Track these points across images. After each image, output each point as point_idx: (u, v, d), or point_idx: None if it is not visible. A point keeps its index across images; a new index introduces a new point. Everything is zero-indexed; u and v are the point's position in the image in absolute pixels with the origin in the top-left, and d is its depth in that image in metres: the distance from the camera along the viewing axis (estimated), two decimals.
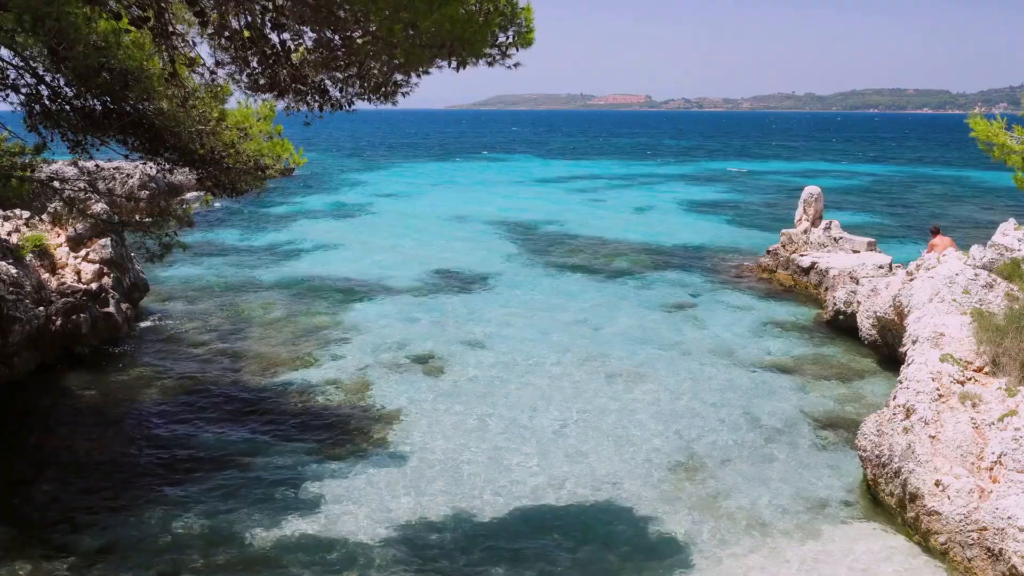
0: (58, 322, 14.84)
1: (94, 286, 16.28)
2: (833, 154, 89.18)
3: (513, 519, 9.99)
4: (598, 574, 8.85)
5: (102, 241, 17.19)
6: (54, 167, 12.33)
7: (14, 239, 15.90)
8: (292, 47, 6.59)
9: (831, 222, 22.92)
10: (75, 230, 16.67)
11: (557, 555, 9.16)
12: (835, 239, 22.55)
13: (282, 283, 22.58)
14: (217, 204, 33.53)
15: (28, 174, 9.73)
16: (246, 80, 7.01)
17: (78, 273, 16.53)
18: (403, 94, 7.12)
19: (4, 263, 14.24)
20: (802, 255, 22.25)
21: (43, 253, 16.16)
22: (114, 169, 30.86)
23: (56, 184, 10.82)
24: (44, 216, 11.64)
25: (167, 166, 9.08)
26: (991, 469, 8.79)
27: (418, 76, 6.77)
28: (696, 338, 17.67)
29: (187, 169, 9.28)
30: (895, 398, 10.41)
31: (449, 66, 6.48)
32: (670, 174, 62.16)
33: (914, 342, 11.56)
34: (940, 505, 8.90)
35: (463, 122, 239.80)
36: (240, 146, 8.90)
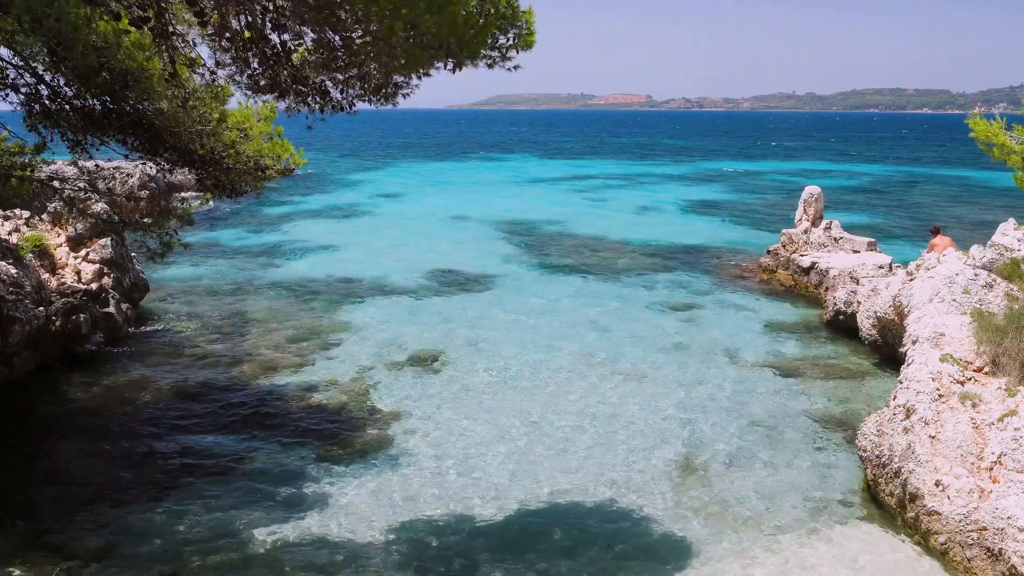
0: (58, 322, 14.84)
1: (94, 286, 16.28)
2: (833, 154, 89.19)
3: (513, 519, 9.99)
4: (598, 574, 8.85)
5: (102, 241, 17.19)
6: (54, 167, 12.32)
7: (14, 239, 15.90)
8: (292, 48, 6.59)
9: (831, 222, 22.92)
10: (75, 230, 16.67)
11: (557, 555, 9.15)
12: (835, 239, 22.55)
13: (282, 283, 22.59)
14: (211, 204, 33.46)
15: (28, 174, 9.73)
16: (246, 81, 7.01)
17: (78, 273, 16.53)
18: (404, 95, 7.12)
19: (4, 263, 14.24)
20: (802, 255, 22.25)
21: (43, 253, 16.16)
22: (114, 169, 30.84)
23: (56, 184, 10.82)
24: (44, 216, 11.64)
25: (167, 166, 9.08)
26: (991, 469, 8.79)
27: (419, 78, 6.78)
28: (696, 338, 17.67)
29: (187, 169, 9.28)
30: (895, 398, 10.41)
31: (445, 67, 6.48)
32: (670, 174, 62.17)
33: (914, 342, 11.56)
34: (940, 505, 8.91)
35: (463, 122, 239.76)
36: (240, 147, 8.91)
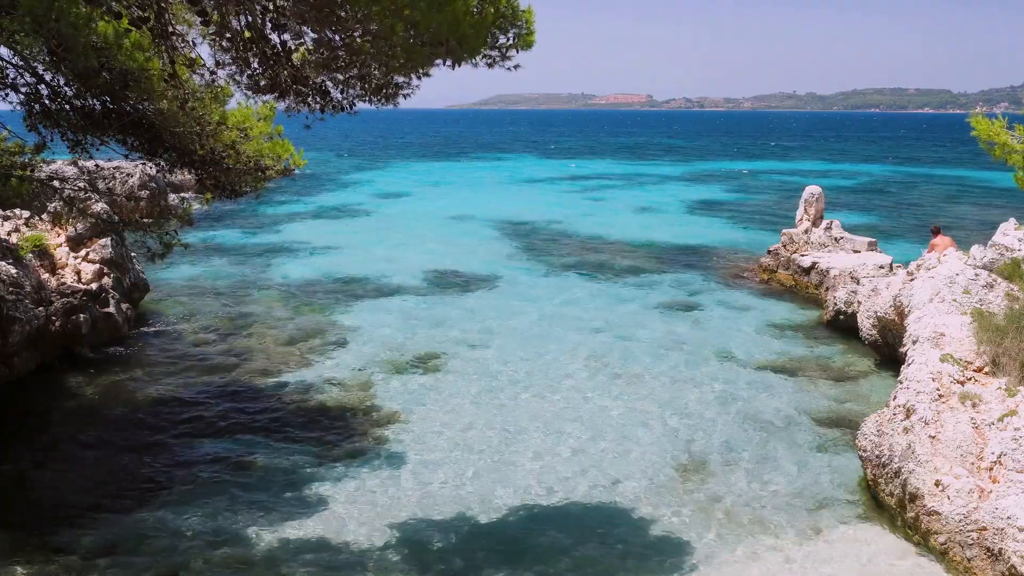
0: (58, 322, 14.84)
1: (94, 286, 16.28)
2: (833, 154, 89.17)
3: (513, 519, 9.99)
4: (597, 574, 8.85)
5: (102, 241, 17.19)
6: (54, 167, 12.31)
7: (14, 239, 15.90)
8: (293, 48, 6.59)
9: (832, 222, 22.92)
10: (75, 230, 16.67)
11: (557, 555, 9.15)
12: (836, 239, 22.54)
13: (282, 283, 22.59)
14: (209, 206, 33.45)
15: (28, 173, 9.72)
16: (246, 81, 7.00)
17: (78, 273, 16.53)
18: (404, 96, 7.12)
19: (4, 263, 14.24)
20: (803, 255, 22.24)
21: (43, 253, 16.16)
22: (114, 169, 30.84)
23: (56, 184, 10.81)
24: (44, 216, 11.63)
25: (167, 167, 9.07)
26: (991, 469, 8.79)
27: (419, 78, 6.77)
28: (697, 338, 17.67)
29: (187, 170, 9.27)
30: (895, 398, 10.41)
31: (445, 64, 6.47)
32: (671, 174, 62.17)
33: (914, 342, 11.56)
34: (940, 505, 8.90)
35: (463, 121, 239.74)
36: (240, 147, 8.90)
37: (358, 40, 6.30)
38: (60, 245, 16.84)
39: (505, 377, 15.01)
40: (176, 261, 22.74)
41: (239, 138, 8.93)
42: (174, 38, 7.15)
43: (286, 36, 6.51)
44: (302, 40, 6.60)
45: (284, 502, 10.24)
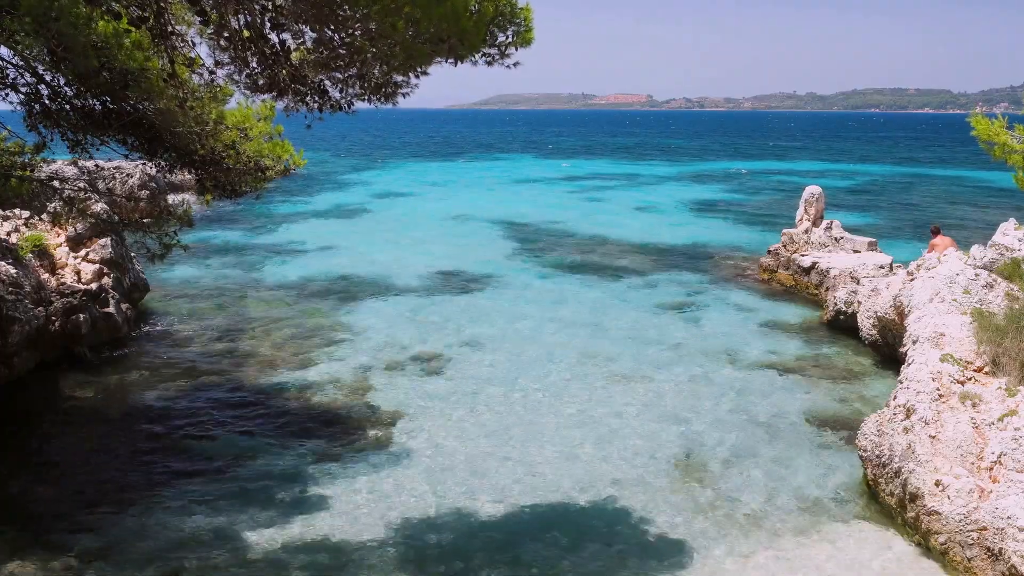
0: (57, 322, 14.84)
1: (94, 286, 16.27)
2: (834, 154, 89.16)
3: (512, 519, 9.99)
4: (597, 574, 8.84)
5: (102, 241, 17.19)
6: (54, 167, 12.31)
7: (14, 239, 15.90)
8: (292, 47, 6.58)
9: (832, 222, 22.91)
10: (75, 230, 16.66)
11: (556, 555, 9.15)
12: (836, 239, 22.54)
13: (282, 283, 22.59)
14: (215, 206, 33.44)
15: (28, 173, 9.72)
16: (245, 80, 7.00)
17: (78, 273, 16.53)
18: (403, 95, 7.11)
19: (3, 263, 14.24)
20: (803, 255, 22.24)
21: (43, 253, 16.16)
22: (114, 169, 30.84)
23: (56, 184, 10.81)
24: (44, 216, 11.62)
25: (167, 167, 9.07)
26: (991, 469, 8.78)
27: (417, 76, 6.77)
28: (697, 338, 17.67)
29: (187, 170, 9.27)
30: (895, 398, 10.40)
31: (446, 61, 6.47)
32: (671, 174, 62.16)
33: (914, 342, 11.55)
34: (940, 505, 8.90)
35: (462, 121, 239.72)
36: (240, 147, 8.90)
37: (358, 39, 6.30)
38: (60, 245, 16.84)
39: (504, 377, 15.01)
40: (176, 261, 22.74)
41: (239, 138, 8.92)
42: (173, 38, 7.15)
43: (285, 35, 6.51)
44: (302, 40, 6.60)
45: (283, 502, 10.24)
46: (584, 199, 44.93)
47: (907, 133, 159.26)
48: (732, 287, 22.64)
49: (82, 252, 17.03)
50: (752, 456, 11.75)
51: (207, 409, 13.31)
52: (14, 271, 14.30)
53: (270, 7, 6.17)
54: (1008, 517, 8.12)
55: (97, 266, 16.84)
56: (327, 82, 6.98)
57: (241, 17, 6.38)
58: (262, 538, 9.35)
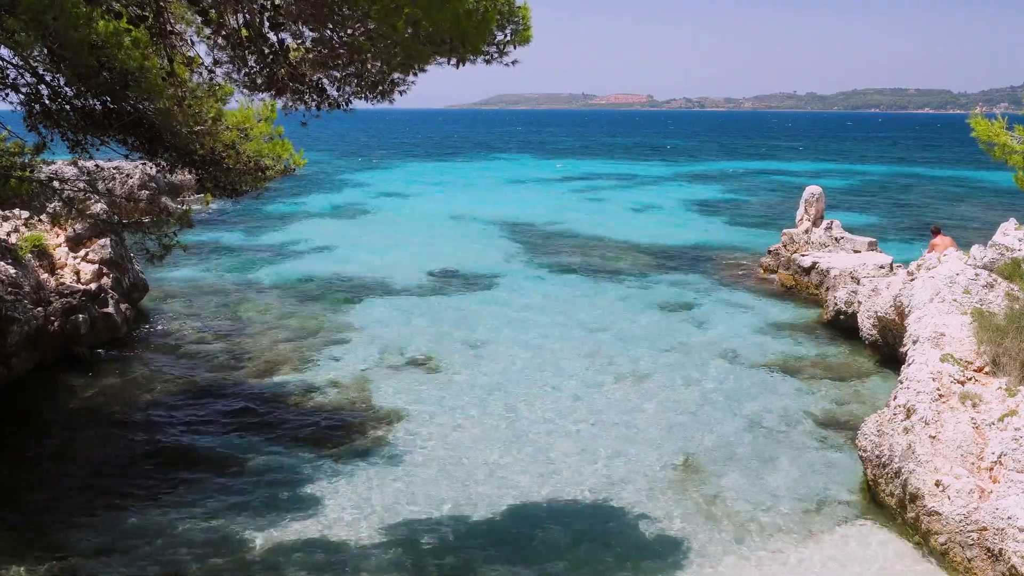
0: (57, 322, 14.84)
1: (93, 286, 16.27)
2: (833, 154, 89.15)
3: (512, 519, 9.98)
4: (596, 574, 8.84)
5: (101, 241, 17.18)
6: (54, 167, 12.31)
7: (13, 239, 15.89)
8: (293, 46, 6.58)
9: (832, 222, 22.91)
10: (74, 230, 16.66)
11: (556, 555, 9.14)
12: (836, 239, 22.53)
13: (282, 283, 22.58)
14: (214, 206, 33.44)
15: (28, 174, 9.72)
16: (244, 79, 7.00)
17: (77, 273, 16.53)
18: (400, 92, 7.10)
19: (3, 263, 14.23)
20: (803, 255, 22.23)
21: (42, 253, 16.15)
22: (114, 169, 30.85)
23: (56, 184, 10.80)
24: (43, 216, 11.62)
25: (167, 166, 9.06)
26: (991, 469, 8.78)
27: (415, 75, 6.76)
28: (697, 338, 17.66)
29: (187, 170, 9.26)
30: (895, 398, 10.40)
31: (448, 62, 6.46)
32: (671, 174, 62.15)
33: (915, 342, 11.55)
34: (940, 505, 8.89)
35: (462, 121, 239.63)
36: (240, 147, 8.89)
37: (358, 39, 6.30)
38: (59, 245, 16.83)
39: (504, 377, 15.00)
40: (175, 261, 22.73)
41: (239, 138, 8.92)
42: (172, 37, 7.14)
43: (284, 35, 6.50)
44: (301, 39, 6.59)
45: (283, 502, 10.23)
46: (584, 199, 44.92)
47: (907, 133, 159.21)
48: (732, 287, 22.63)
49: (81, 252, 17.03)
50: (751, 456, 11.74)
51: (206, 409, 13.30)
52: (13, 271, 14.30)
53: (269, 6, 6.16)
54: (1008, 517, 8.11)
55: (96, 266, 16.83)
56: (325, 80, 6.97)
57: (240, 16, 6.37)
58: (261, 538, 9.34)
